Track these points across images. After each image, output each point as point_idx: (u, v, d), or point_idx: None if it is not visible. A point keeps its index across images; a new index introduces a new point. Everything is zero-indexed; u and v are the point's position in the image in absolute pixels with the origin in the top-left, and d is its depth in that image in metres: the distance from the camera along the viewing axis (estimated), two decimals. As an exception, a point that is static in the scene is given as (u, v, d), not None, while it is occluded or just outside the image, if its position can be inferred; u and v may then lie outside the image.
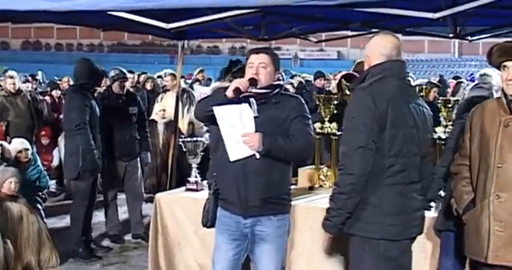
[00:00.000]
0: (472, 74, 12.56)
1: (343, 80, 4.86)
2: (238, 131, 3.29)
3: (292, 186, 4.47)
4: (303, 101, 3.52)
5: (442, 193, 3.78)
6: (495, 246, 2.87)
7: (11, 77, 7.95)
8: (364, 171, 2.95)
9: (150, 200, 5.68)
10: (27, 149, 5.99)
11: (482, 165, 2.96)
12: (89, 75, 5.67)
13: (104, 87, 6.66)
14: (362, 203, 3.01)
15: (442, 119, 4.71)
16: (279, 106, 3.38)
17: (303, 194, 4.43)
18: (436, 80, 11.11)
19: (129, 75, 7.43)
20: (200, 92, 8.71)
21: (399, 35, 4.02)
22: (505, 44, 3.00)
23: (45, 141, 8.72)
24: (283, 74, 12.56)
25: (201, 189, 4.58)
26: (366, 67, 3.21)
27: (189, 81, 11.86)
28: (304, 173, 4.77)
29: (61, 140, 7.86)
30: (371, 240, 3.03)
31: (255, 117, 3.31)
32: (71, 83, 9.98)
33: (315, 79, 10.44)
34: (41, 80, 16.47)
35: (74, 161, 5.52)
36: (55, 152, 8.62)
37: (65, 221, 6.69)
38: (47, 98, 9.64)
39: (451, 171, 3.26)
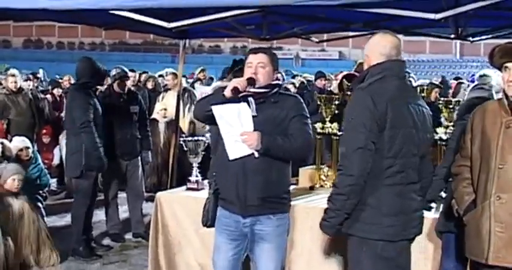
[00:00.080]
0: (473, 75, 12.55)
1: (344, 80, 4.86)
2: (237, 130, 3.30)
3: (293, 186, 4.49)
4: (302, 100, 3.52)
5: (443, 194, 3.78)
6: (496, 247, 2.87)
7: (13, 75, 7.95)
8: (363, 172, 2.94)
9: (151, 199, 5.69)
10: (28, 147, 5.99)
11: (483, 166, 2.96)
12: (91, 74, 5.68)
13: (105, 86, 6.67)
14: (361, 203, 3.00)
15: (443, 119, 4.71)
16: (278, 105, 3.38)
17: (304, 193, 4.44)
18: (438, 81, 11.10)
19: (130, 74, 7.43)
20: (201, 91, 8.71)
21: (400, 36, 4.01)
22: (506, 45, 3.00)
23: (46, 139, 8.72)
24: (283, 73, 12.61)
25: (202, 189, 4.59)
26: (365, 67, 3.20)
27: (191, 81, 11.87)
28: (305, 173, 4.77)
29: (62, 139, 7.87)
30: (369, 241, 3.02)
31: (253, 117, 3.31)
32: (72, 81, 10.01)
33: (315, 79, 10.44)
34: (42, 79, 16.49)
35: (77, 159, 5.53)
36: (56, 151, 8.63)
37: (65, 220, 6.71)
38: (48, 96, 9.63)
39: (451, 172, 3.26)
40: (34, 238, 5.12)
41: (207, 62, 26.26)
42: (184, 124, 7.95)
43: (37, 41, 44.42)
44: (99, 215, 6.53)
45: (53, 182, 8.08)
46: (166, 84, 9.34)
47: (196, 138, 4.95)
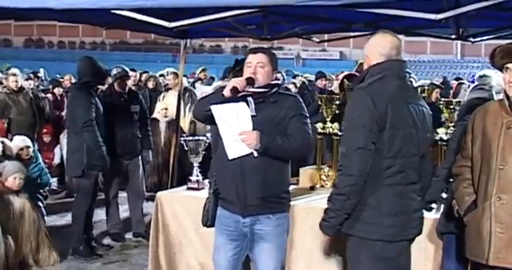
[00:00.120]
0: (473, 76, 12.54)
1: (345, 80, 4.87)
2: (236, 129, 3.30)
3: (294, 186, 4.49)
4: (301, 100, 3.53)
5: (444, 195, 3.78)
6: (496, 247, 2.87)
7: (14, 75, 7.96)
8: (363, 172, 2.94)
9: (151, 199, 5.68)
10: (28, 147, 5.99)
11: (483, 167, 2.96)
12: (92, 73, 5.68)
13: (106, 86, 6.67)
14: (361, 203, 3.00)
15: (444, 120, 4.71)
16: (277, 105, 3.39)
17: (304, 193, 4.44)
18: (439, 82, 11.10)
19: (131, 73, 7.43)
20: (201, 91, 8.72)
21: (401, 36, 4.01)
22: (507, 46, 3.00)
23: (46, 138, 8.72)
24: (283, 73, 12.61)
25: (202, 188, 4.58)
26: (365, 67, 3.20)
27: (191, 80, 11.87)
28: (306, 173, 4.77)
29: (63, 138, 7.87)
30: (368, 241, 3.02)
31: (253, 116, 3.32)
32: (73, 81, 10.01)
33: (316, 79, 10.44)
34: (43, 78, 16.50)
35: (78, 158, 5.53)
36: (56, 150, 8.62)
37: (65, 219, 6.71)
38: (49, 95, 9.63)
39: (452, 172, 3.26)
40: (34, 237, 5.12)
41: (208, 62, 26.28)
42: (185, 124, 7.96)
43: (38, 41, 44.45)
44: (99, 214, 6.53)
45: (54, 182, 8.09)
46: (167, 84, 9.34)
47: (197, 137, 4.95)
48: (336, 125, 4.50)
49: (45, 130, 8.63)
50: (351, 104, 3.09)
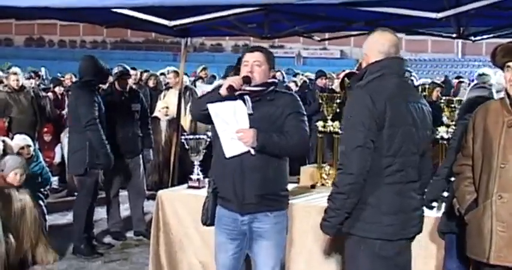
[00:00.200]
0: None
1: (346, 78, 4.87)
2: (233, 128, 3.30)
3: (294, 185, 4.49)
4: (298, 98, 3.53)
5: (445, 194, 3.77)
6: (497, 246, 2.87)
7: (15, 74, 7.96)
8: (363, 170, 2.93)
9: (152, 197, 5.69)
10: (29, 146, 5.99)
11: (485, 166, 2.96)
12: (94, 72, 5.68)
13: (107, 84, 6.67)
14: (361, 202, 2.99)
15: (445, 118, 4.71)
16: (274, 103, 3.39)
17: (305, 192, 4.44)
18: (440, 80, 11.10)
19: (132, 72, 7.43)
20: (202, 89, 8.70)
21: (402, 35, 4.01)
22: (508, 45, 2.99)
23: (47, 137, 8.73)
24: (283, 72, 12.61)
25: (203, 187, 4.57)
26: (363, 65, 3.19)
27: (192, 79, 11.86)
28: (307, 172, 4.77)
29: (64, 137, 7.87)
30: (367, 240, 3.01)
31: (249, 115, 3.32)
32: (74, 79, 10.01)
33: (316, 78, 10.43)
34: (44, 77, 16.52)
35: (80, 157, 5.53)
36: (57, 149, 8.63)
37: (66, 218, 6.72)
38: (50, 94, 9.64)
39: (453, 171, 3.25)
40: (35, 234, 5.13)
41: (209, 60, 26.29)
42: (185, 122, 7.95)
43: (39, 39, 44.41)
44: (100, 213, 6.53)
45: (54, 180, 8.09)
46: (167, 83, 9.33)
47: (197, 136, 4.96)
48: (336, 123, 4.51)
49: (46, 129, 8.63)
50: (350, 102, 3.08)
